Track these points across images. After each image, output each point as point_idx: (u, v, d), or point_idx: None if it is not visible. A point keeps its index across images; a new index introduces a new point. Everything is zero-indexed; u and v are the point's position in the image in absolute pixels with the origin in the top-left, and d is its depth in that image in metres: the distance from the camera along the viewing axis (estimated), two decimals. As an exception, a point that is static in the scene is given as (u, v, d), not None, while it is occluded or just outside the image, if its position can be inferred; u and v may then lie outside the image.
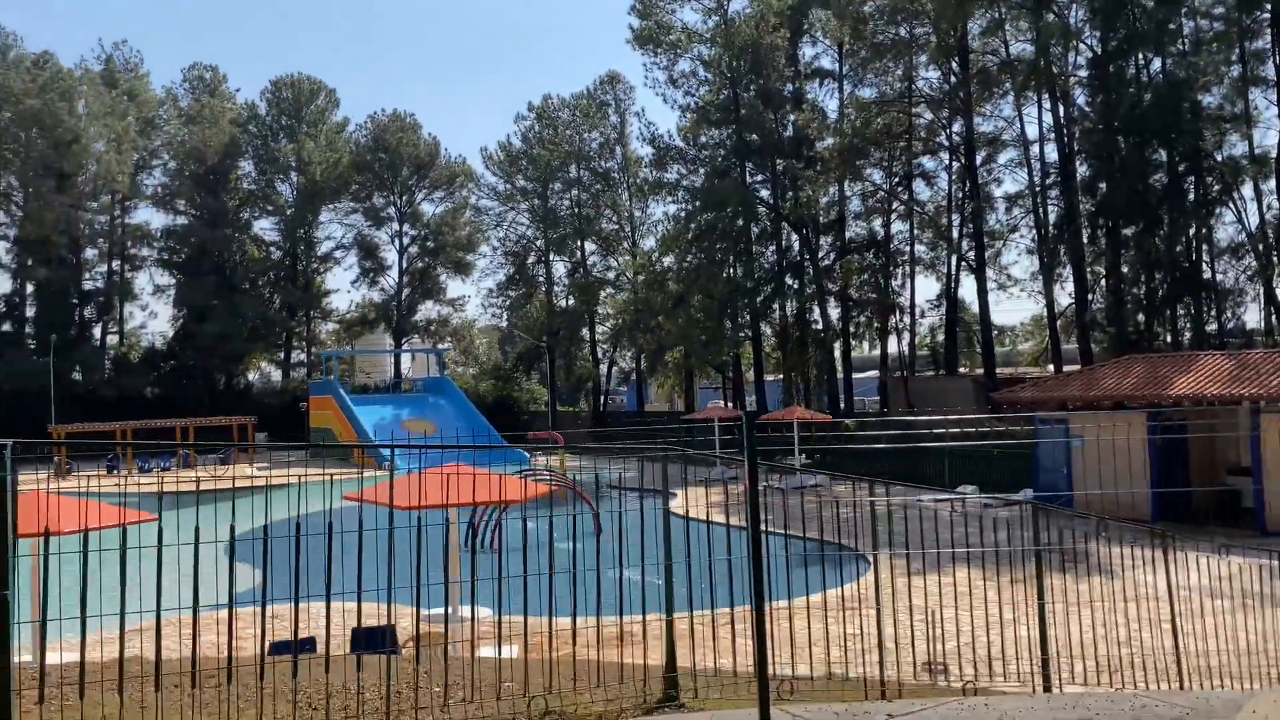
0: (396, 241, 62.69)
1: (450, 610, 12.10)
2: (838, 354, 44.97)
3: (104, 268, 62.82)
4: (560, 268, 59.58)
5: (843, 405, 43.16)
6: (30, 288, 59.30)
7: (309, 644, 11.48)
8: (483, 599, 16.06)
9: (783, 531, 22.85)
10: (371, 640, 11.50)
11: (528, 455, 44.20)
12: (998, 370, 41.11)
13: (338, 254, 64.69)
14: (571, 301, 57.75)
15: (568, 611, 13.64)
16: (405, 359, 64.72)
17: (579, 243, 56.97)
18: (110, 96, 59.27)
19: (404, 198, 62.15)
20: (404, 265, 62.57)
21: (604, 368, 60.54)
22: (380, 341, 63.71)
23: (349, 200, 62.55)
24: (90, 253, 62.00)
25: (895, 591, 15.32)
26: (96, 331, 62.06)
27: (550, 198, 56.87)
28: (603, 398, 60.45)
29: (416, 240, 62.82)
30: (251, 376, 66.83)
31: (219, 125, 60.59)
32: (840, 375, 44.67)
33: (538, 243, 58.42)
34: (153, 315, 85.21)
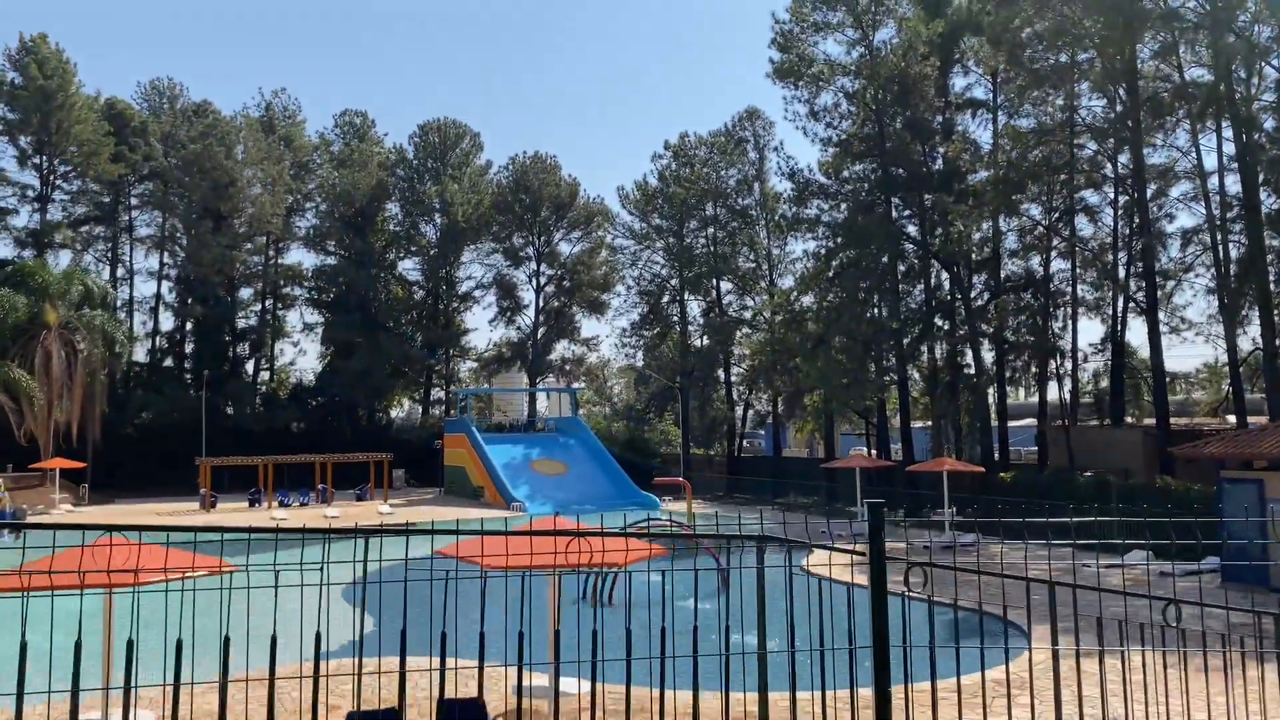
0: (534, 281, 63.05)
1: (553, 683, 10.78)
2: (992, 400, 42.03)
3: (258, 306, 65.41)
4: (695, 307, 58.57)
5: (997, 455, 40.18)
6: (189, 325, 62.14)
7: (390, 717, 10.38)
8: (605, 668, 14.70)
9: (926, 598, 20.74)
10: (459, 714, 10.28)
11: (659, 501, 43.05)
12: (1171, 421, 37.48)
13: (477, 293, 65.67)
14: (706, 341, 56.48)
15: (685, 683, 12.00)
16: (540, 398, 64.71)
17: (714, 281, 55.77)
18: (267, 142, 61.94)
19: (542, 238, 62.50)
20: (540, 304, 62.79)
21: (739, 410, 58.90)
22: (516, 380, 63.91)
23: (489, 240, 63.36)
24: (245, 292, 64.70)
25: (1059, 676, 12.97)
26: (250, 367, 64.48)
27: (686, 236, 56.02)
28: (738, 441, 58.75)
29: (553, 280, 63.00)
30: (393, 413, 68.17)
31: (368, 169, 62.50)
32: (994, 423, 41.70)
33: (672, 282, 57.53)
34: (302, 352, 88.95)
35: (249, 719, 11.76)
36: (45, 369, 45.10)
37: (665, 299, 58.40)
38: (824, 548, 8.53)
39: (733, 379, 57.58)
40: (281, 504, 44.86)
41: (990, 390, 41.83)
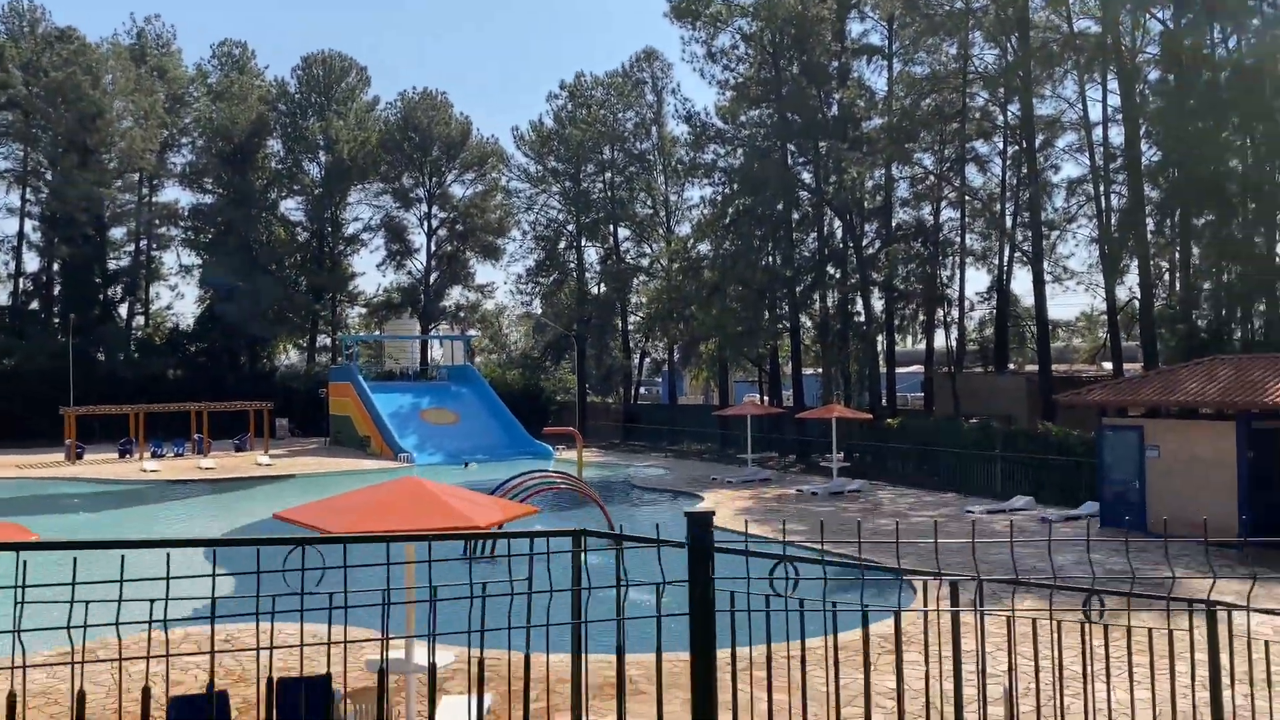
0: (425, 224, 61.05)
1: (407, 655, 10.07)
2: (881, 348, 42.49)
3: (131, 247, 61.91)
4: (592, 253, 57.63)
5: (885, 402, 40.71)
6: (56, 266, 58.40)
7: (216, 703, 9.52)
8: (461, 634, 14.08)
9: (814, 546, 20.70)
10: (298, 697, 9.48)
11: (553, 450, 42.44)
12: (1053, 368, 38.45)
13: (365, 236, 63.31)
14: (603, 289, 55.71)
15: (566, 647, 11.38)
16: (433, 346, 63.14)
17: (612, 227, 54.87)
18: (138, 72, 58.17)
19: (433, 179, 60.45)
20: (432, 248, 60.91)
21: (636, 358, 58.50)
22: (408, 327, 62.16)
23: (377, 180, 61.01)
24: (117, 232, 61.09)
25: (941, 631, 12.80)
26: (123, 311, 61.12)
27: (583, 180, 54.84)
28: (634, 390, 58.42)
29: (445, 223, 61.13)
30: (278, 361, 65.68)
31: (247, 102, 59.29)
32: (883, 370, 42.21)
33: (569, 227, 56.42)
34: (180, 296, 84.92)
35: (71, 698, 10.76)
36: (-114, 312, 41.70)
37: (562, 245, 57.27)
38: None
39: (630, 327, 57.04)
40: (155, 455, 42.74)
41: (879, 338, 42.27)
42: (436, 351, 63.28)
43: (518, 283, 58.38)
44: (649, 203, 55.20)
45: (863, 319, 41.67)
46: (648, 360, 60.86)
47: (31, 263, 59.23)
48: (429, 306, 60.26)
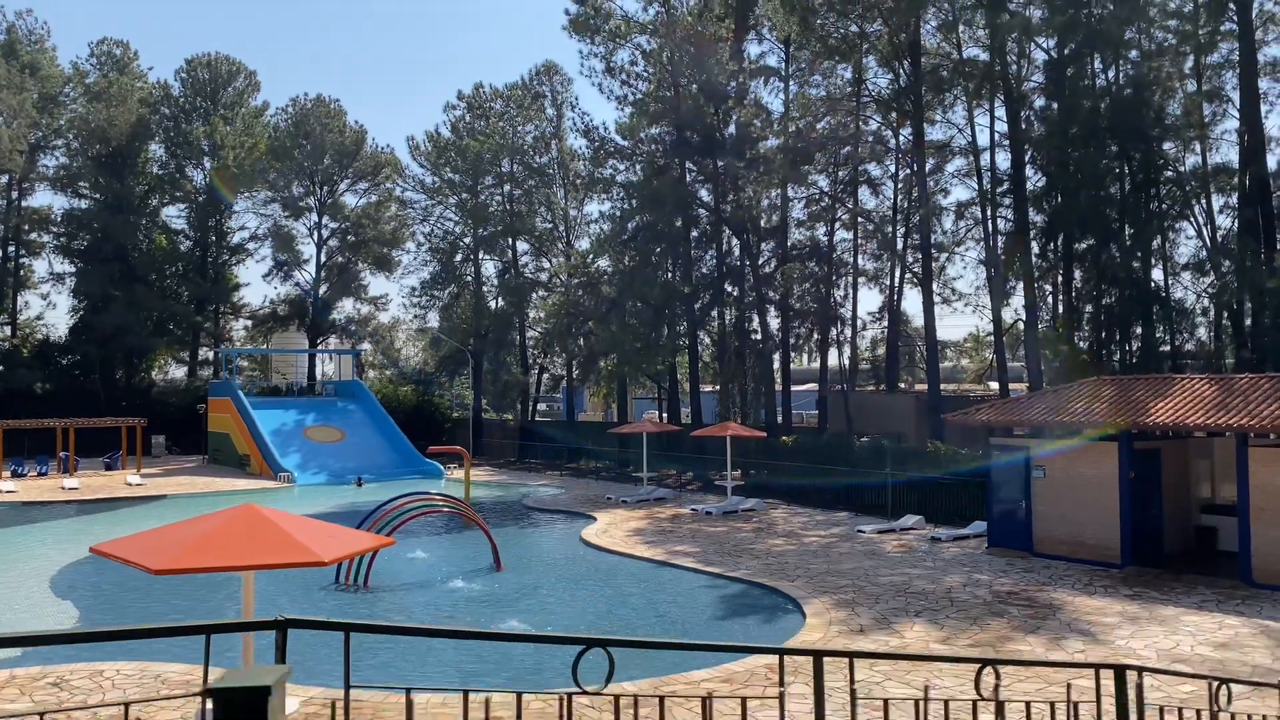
0: (315, 234, 59.02)
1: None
2: (776, 366, 42.64)
3: (-1, 253, 58.35)
4: (490, 267, 56.58)
5: (780, 419, 40.81)
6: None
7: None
8: (330, 667, 13.07)
9: (704, 569, 20.31)
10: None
11: (442, 468, 41.23)
12: (941, 387, 39.13)
13: (251, 245, 60.94)
14: (501, 303, 54.71)
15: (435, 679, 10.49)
16: (323, 360, 61.06)
17: (510, 241, 53.96)
18: (8, 69, 54.94)
19: (325, 188, 58.52)
20: (322, 259, 58.91)
21: (534, 374, 57.61)
22: (296, 341, 59.91)
23: (265, 189, 58.78)
24: (-17, 236, 57.49)
25: (833, 659, 12.37)
26: (-13, 321, 57.43)
27: (481, 192, 53.82)
28: (532, 406, 57.50)
29: (337, 233, 59.23)
30: (156, 375, 62.60)
31: (126, 104, 56.50)
32: (779, 388, 42.34)
33: (466, 240, 55.28)
34: (51, 306, 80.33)
35: None
36: None
37: (459, 257, 56.04)
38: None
39: (528, 342, 56.16)
40: (15, 474, 40.01)
41: (775, 356, 42.41)
42: (330, 366, 61.27)
43: (412, 295, 56.95)
44: (548, 217, 54.52)
45: (759, 337, 41.75)
46: (546, 376, 60.01)
47: (-118, 268, 55.31)
48: (318, 319, 58.22)
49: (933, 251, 38.76)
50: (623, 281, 42.47)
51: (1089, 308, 36.18)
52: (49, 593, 17.75)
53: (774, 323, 42.41)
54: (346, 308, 60.84)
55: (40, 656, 13.34)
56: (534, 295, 54.32)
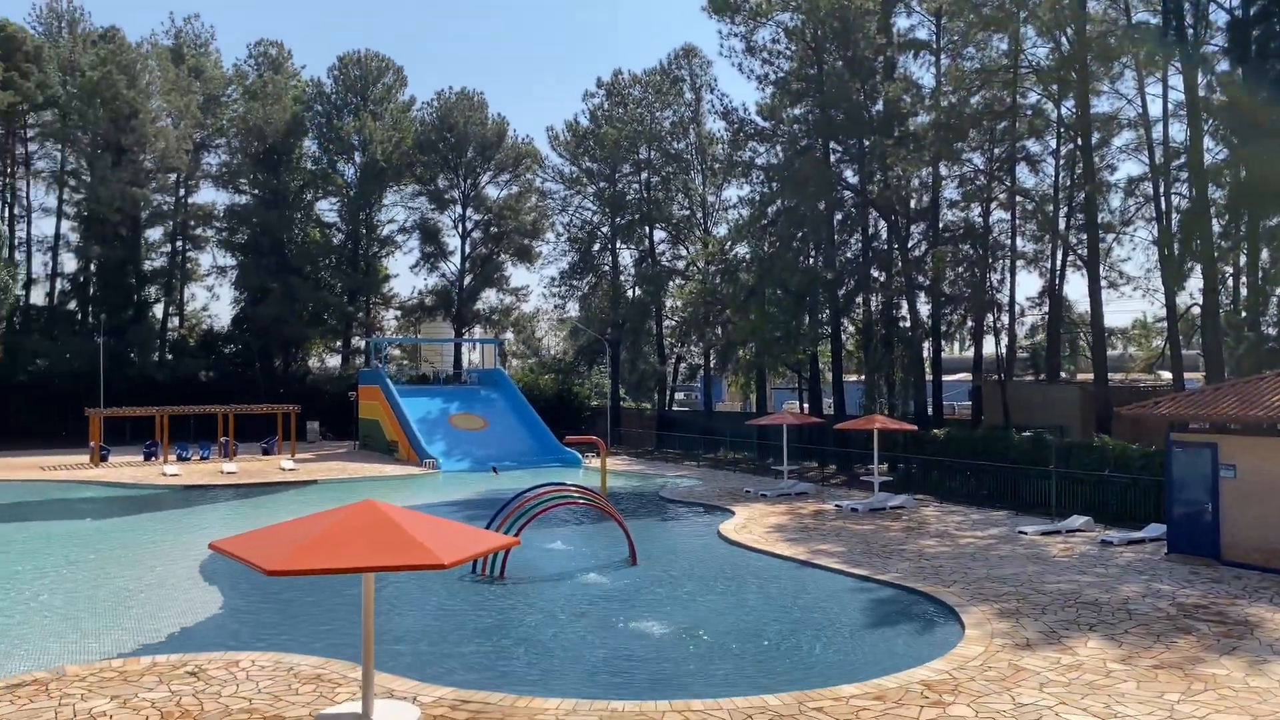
0: (459, 226, 60.17)
1: (367, 708, 8.69)
2: (926, 355, 40.65)
3: (167, 248, 61.78)
4: (627, 256, 56.34)
5: (930, 411, 38.86)
6: (93, 267, 58.30)
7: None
8: (485, 667, 12.62)
9: (850, 570, 19.10)
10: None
11: (581, 457, 41.11)
12: (1108, 377, 36.41)
13: (399, 238, 62.63)
14: (638, 292, 54.36)
15: (571, 689, 9.86)
16: (468, 349, 62.27)
17: (647, 229, 53.52)
18: (176, 72, 57.95)
19: (468, 180, 59.56)
20: (466, 251, 59.99)
21: (671, 364, 57.07)
22: (442, 330, 61.29)
23: (412, 182, 60.27)
24: (154, 233, 61.00)
25: (998, 678, 11.06)
26: (157, 312, 60.90)
27: (618, 181, 53.56)
28: (669, 396, 56.95)
29: (480, 225, 60.22)
30: (312, 363, 65.20)
31: (282, 103, 58.81)
32: (929, 378, 40.35)
33: (604, 229, 55.16)
34: (215, 297, 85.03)
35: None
36: (-84, 311, 41.56)
37: (596, 247, 56.05)
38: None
39: (665, 331, 55.66)
40: (180, 458, 42.10)
41: (925, 344, 40.44)
42: (474, 355, 62.41)
43: (551, 285, 57.28)
44: (686, 203, 53.78)
45: (908, 324, 39.85)
46: (683, 365, 59.37)
47: (69, 263, 59.37)
48: (462, 309, 59.32)
49: (1099, 231, 36.10)
50: (762, 268, 41.26)
51: (1279, 291, 32.89)
52: (198, 577, 18.15)
53: (924, 309, 40.42)
54: (490, 298, 61.85)
55: (179, 645, 13.46)
56: (671, 283, 53.75)
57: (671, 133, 52.74)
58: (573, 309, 58.53)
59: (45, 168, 58.94)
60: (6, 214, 57.27)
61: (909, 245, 40.43)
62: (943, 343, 41.71)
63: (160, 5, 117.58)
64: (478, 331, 61.29)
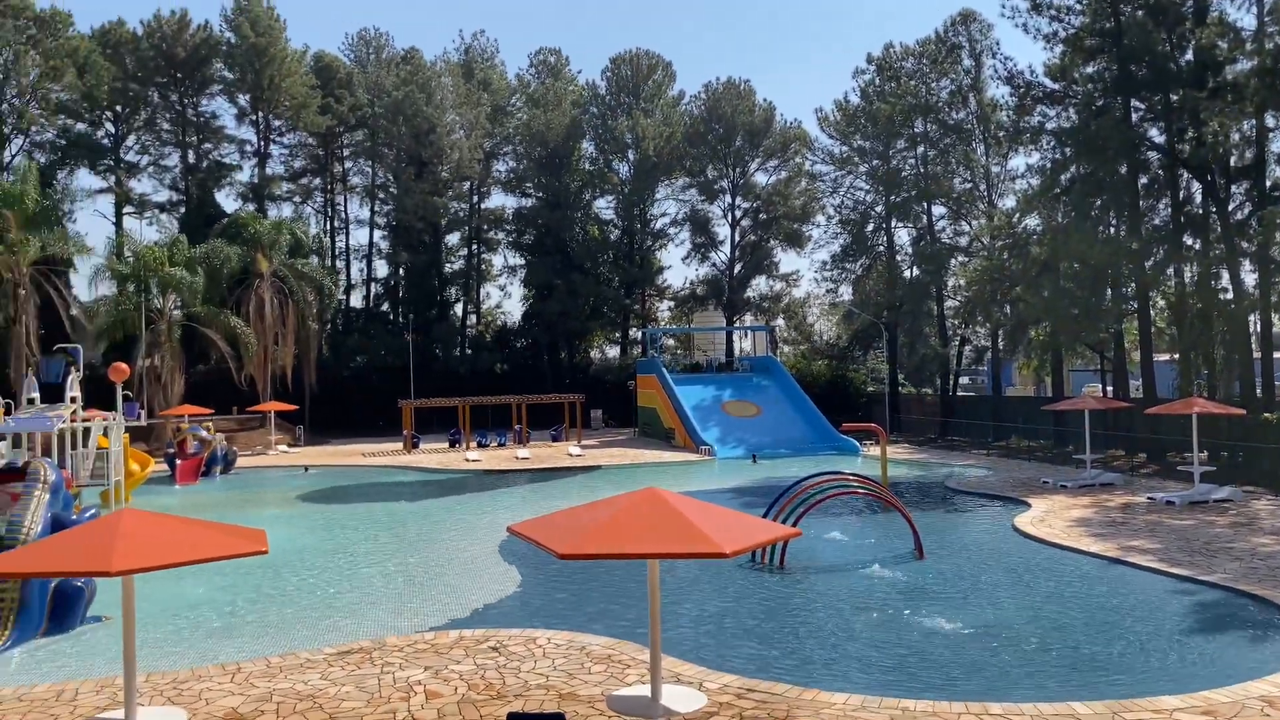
0: (729, 215, 60.53)
1: (654, 691, 8.71)
2: (1254, 329, 36.06)
3: (464, 251, 66.68)
4: (904, 235, 54.25)
5: (1259, 393, 34.44)
6: (401, 271, 64.06)
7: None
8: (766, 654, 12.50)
9: (1169, 570, 17.15)
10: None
11: (859, 445, 40.06)
12: None
13: (671, 230, 64.00)
14: (916, 272, 52.22)
15: (851, 684, 9.48)
16: (739, 337, 62.59)
17: (925, 205, 51.26)
18: (466, 87, 62.28)
19: (737, 169, 59.80)
20: (736, 239, 60.27)
21: (954, 346, 54.37)
22: (714, 319, 61.99)
23: (682, 175, 61.33)
24: (452, 237, 66.06)
25: None
26: (457, 310, 65.92)
27: (892, 157, 51.67)
28: (953, 380, 54.29)
29: (749, 213, 60.29)
30: (593, 354, 68.13)
31: (561, 108, 61.66)
32: (1257, 356, 35.76)
33: (877, 208, 53.43)
34: (507, 295, 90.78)
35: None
36: (259, 316, 47.38)
37: (870, 227, 54.42)
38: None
39: (946, 312, 53.11)
40: (480, 445, 45.27)
41: (1252, 317, 35.87)
42: (745, 343, 62.67)
43: (823, 269, 56.31)
44: (967, 176, 50.96)
45: (1229, 296, 35.52)
46: (968, 348, 56.39)
47: (381, 269, 65.58)
48: (733, 297, 59.69)
49: None
50: (1055, 241, 38.20)
51: None
52: (497, 556, 19.27)
53: (1249, 278, 35.87)
54: (760, 285, 61.86)
55: (482, 620, 14.29)
56: (952, 261, 51.17)
57: (949, 103, 50.14)
58: (846, 293, 57.33)
59: (359, 183, 65.41)
60: (329, 227, 64.14)
61: (1230, 208, 36.01)
62: (1274, 316, 36.84)
63: (451, 23, 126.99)
64: (748, 319, 61.47)
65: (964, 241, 51.86)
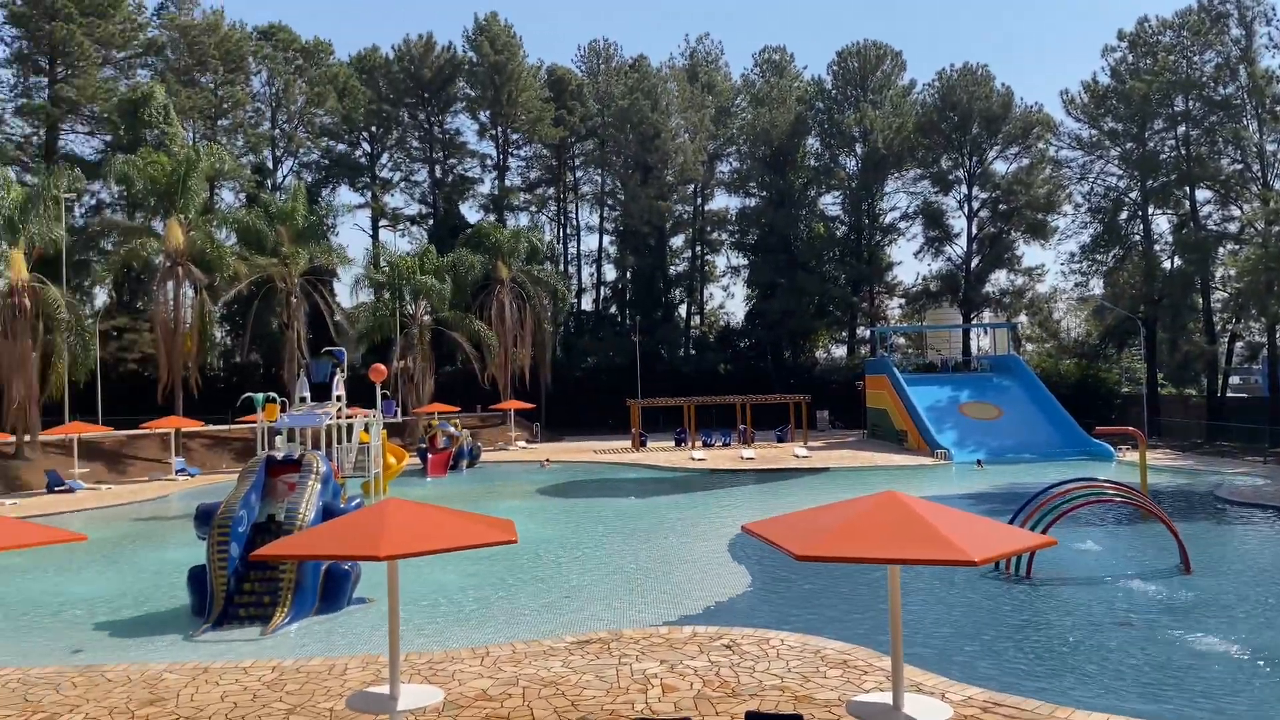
0: (965, 207, 57.85)
1: (899, 696, 8.34)
2: None
3: (688, 253, 67.43)
4: (1162, 222, 49.95)
5: None
6: (628, 275, 65.63)
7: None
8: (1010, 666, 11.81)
9: None
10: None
11: (1113, 450, 37.16)
12: None
13: (902, 225, 61.94)
14: (1178, 262, 47.91)
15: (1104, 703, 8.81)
16: (976, 335, 59.70)
17: (1186, 190, 46.90)
18: (690, 90, 62.96)
19: (973, 158, 57.06)
20: (973, 232, 57.50)
21: (1223, 343, 49.45)
22: (949, 316, 59.47)
23: (914, 166, 59.24)
24: (676, 240, 66.97)
25: None
26: (682, 312, 66.77)
27: (1148, 139, 47.64)
28: (1222, 380, 49.36)
29: (987, 204, 57.36)
30: (818, 354, 67.07)
31: (786, 105, 61.12)
32: None
33: (1132, 195, 49.41)
34: (730, 296, 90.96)
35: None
36: (499, 319, 49.97)
37: (1123, 215, 50.44)
38: None
39: (1214, 305, 48.42)
40: (705, 444, 45.58)
41: None
42: (984, 341, 59.77)
43: (1070, 262, 52.70)
44: (1237, 156, 46.23)
45: None
46: (1239, 345, 51.13)
47: (610, 273, 67.45)
48: (970, 293, 56.99)
49: None
50: (1348, 223, 34.04)
51: None
52: (726, 555, 19.28)
53: None
54: (999, 280, 58.77)
55: (714, 618, 14.30)
56: (1221, 250, 46.59)
57: (1215, 77, 45.67)
58: (1096, 286, 53.42)
59: (588, 191, 67.56)
60: (561, 234, 66.64)
61: None
62: None
63: (677, 28, 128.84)
64: (987, 316, 58.48)
65: (1234, 228, 47.19)
